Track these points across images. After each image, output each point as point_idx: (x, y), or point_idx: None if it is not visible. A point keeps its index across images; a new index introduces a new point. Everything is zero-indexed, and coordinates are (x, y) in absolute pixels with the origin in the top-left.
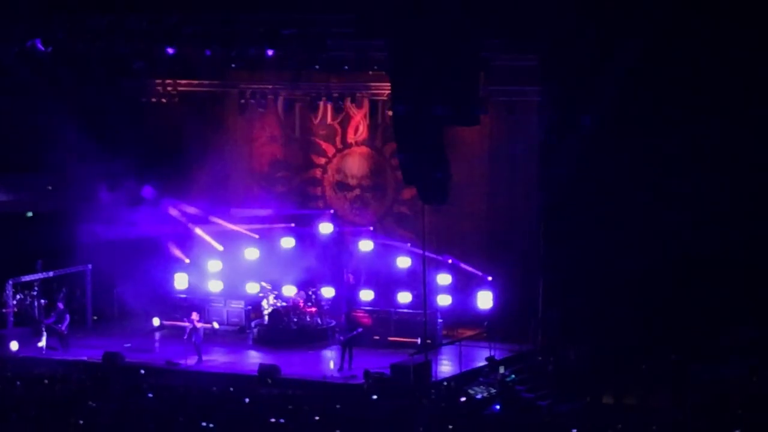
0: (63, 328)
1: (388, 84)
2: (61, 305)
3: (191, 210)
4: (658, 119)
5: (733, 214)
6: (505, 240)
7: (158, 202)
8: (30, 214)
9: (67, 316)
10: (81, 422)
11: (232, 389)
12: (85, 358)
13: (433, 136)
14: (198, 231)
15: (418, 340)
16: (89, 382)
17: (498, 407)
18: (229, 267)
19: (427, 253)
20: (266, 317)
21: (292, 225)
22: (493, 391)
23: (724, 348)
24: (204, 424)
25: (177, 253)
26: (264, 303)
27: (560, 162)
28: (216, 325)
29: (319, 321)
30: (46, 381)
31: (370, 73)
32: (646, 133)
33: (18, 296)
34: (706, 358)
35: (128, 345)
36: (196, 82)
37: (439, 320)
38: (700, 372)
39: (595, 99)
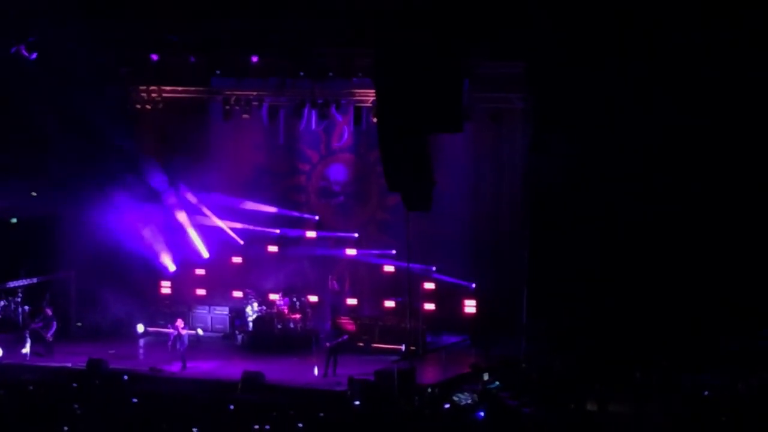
0: (48, 335)
1: (373, 91)
2: (49, 311)
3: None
4: (647, 124)
5: (721, 225)
6: (490, 247)
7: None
8: (14, 220)
9: (54, 323)
10: (65, 429)
11: (216, 396)
12: (69, 364)
13: (417, 143)
14: (191, 232)
15: (403, 347)
16: (73, 388)
17: (482, 414)
18: (214, 273)
19: (411, 263)
20: (251, 324)
21: (277, 231)
22: (477, 398)
23: (710, 356)
24: (188, 430)
25: (163, 259)
26: (248, 309)
27: (545, 169)
28: (200, 332)
29: (303, 328)
30: (30, 387)
31: (355, 80)
32: (635, 139)
33: (2, 302)
34: (692, 366)
35: (112, 351)
36: (180, 88)
37: (424, 327)
38: (686, 380)
39: (580, 106)
